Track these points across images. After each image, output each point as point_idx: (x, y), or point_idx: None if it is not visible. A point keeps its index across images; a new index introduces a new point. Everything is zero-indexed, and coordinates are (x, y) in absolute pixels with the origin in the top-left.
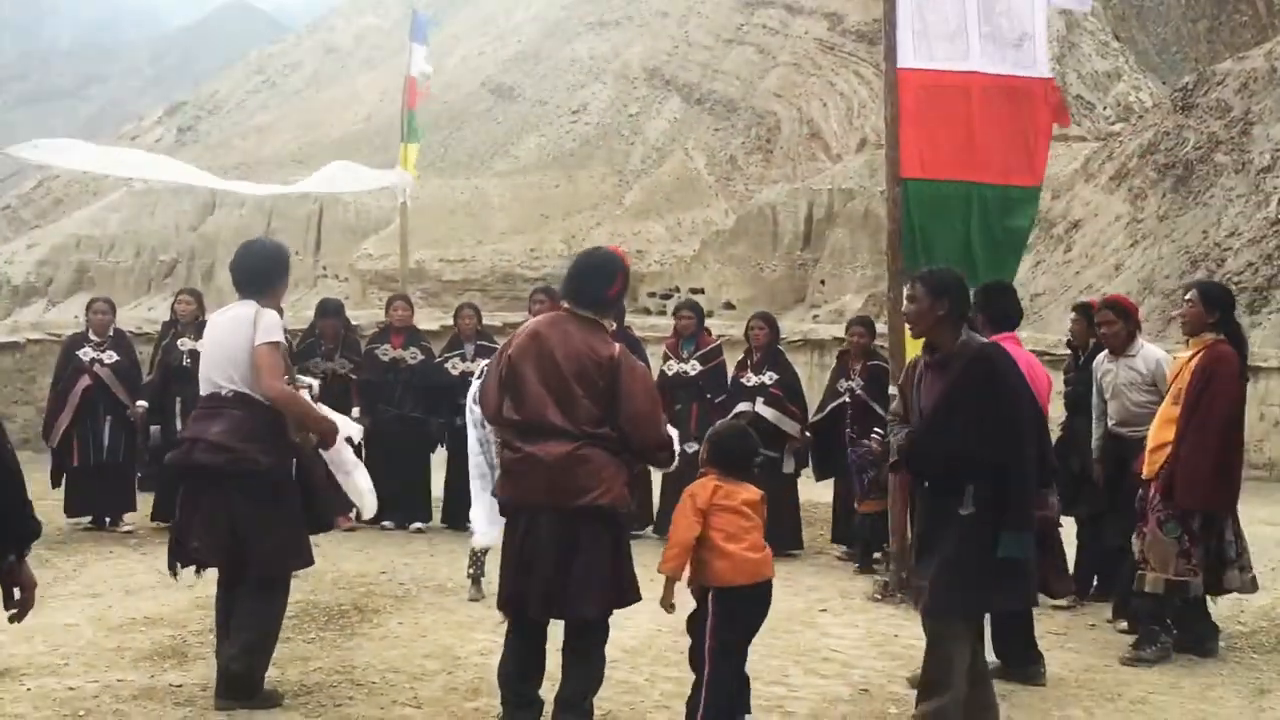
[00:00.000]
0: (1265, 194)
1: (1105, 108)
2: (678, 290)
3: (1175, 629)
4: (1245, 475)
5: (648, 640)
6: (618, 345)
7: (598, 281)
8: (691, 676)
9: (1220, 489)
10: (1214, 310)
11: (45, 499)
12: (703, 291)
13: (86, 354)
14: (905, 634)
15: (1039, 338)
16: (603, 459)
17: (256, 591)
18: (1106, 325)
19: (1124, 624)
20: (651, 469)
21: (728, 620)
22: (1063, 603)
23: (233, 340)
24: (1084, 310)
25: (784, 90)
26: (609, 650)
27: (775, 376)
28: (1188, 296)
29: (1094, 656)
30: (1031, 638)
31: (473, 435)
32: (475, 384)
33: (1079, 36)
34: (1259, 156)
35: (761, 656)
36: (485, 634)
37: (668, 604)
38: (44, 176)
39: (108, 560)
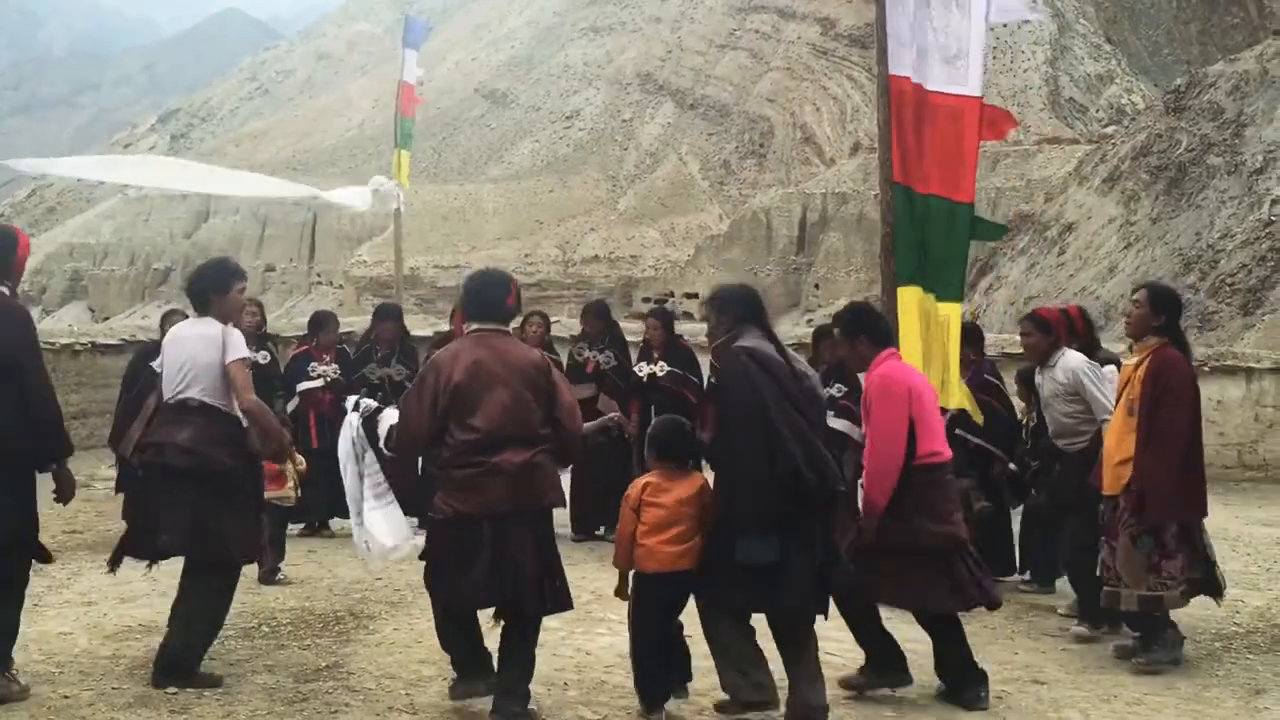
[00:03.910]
0: (1258, 195)
1: (1098, 110)
2: (671, 295)
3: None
4: (1240, 476)
5: None
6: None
7: (500, 295)
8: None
9: (1191, 498)
10: (1160, 313)
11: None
12: (697, 296)
13: (159, 366)
14: (900, 636)
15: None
16: (548, 463)
17: (207, 578)
18: (1024, 336)
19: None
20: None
21: (643, 600)
22: (1063, 610)
23: (204, 356)
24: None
25: (777, 95)
26: (615, 639)
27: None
28: (1135, 297)
29: (1089, 658)
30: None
31: (352, 470)
32: (352, 423)
33: (1071, 40)
34: (1251, 158)
35: None
36: None
37: (620, 593)
38: (37, 185)
39: (102, 569)
